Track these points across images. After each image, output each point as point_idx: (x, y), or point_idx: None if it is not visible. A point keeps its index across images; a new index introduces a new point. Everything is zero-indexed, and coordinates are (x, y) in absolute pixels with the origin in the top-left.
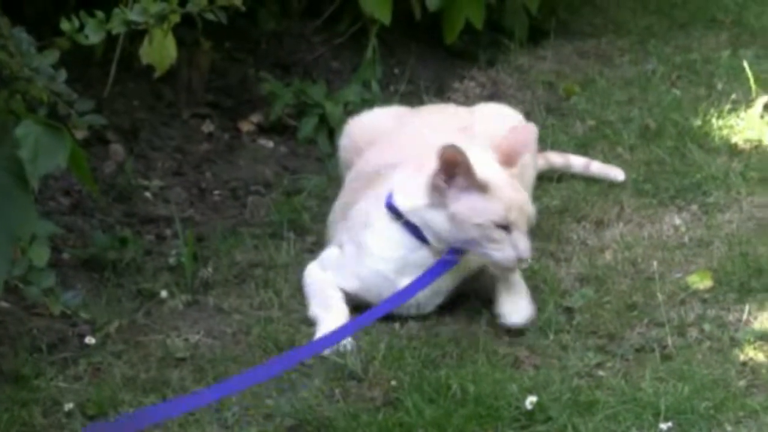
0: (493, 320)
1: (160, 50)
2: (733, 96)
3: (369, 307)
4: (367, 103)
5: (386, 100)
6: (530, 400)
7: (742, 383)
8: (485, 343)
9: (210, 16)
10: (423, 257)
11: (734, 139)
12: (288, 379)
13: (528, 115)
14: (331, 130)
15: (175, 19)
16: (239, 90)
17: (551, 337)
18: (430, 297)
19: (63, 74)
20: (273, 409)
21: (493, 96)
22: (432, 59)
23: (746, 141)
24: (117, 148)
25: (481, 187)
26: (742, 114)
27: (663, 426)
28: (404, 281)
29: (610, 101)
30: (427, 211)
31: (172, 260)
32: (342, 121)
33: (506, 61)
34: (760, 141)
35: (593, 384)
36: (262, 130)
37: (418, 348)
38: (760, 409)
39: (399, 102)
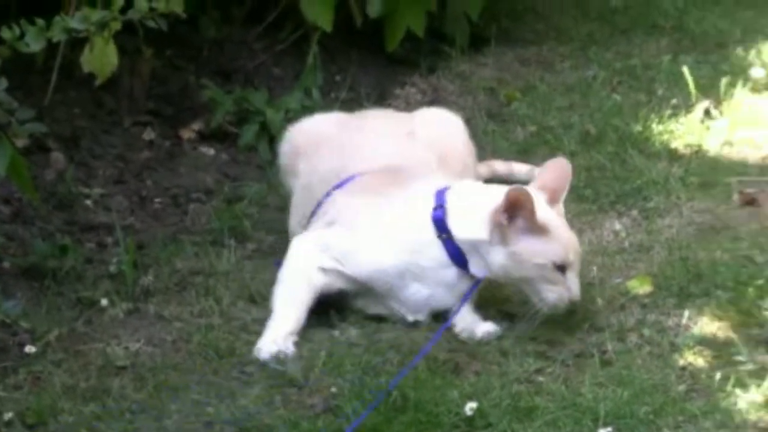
0: (434, 325)
1: (101, 58)
2: (673, 101)
3: (355, 297)
4: (308, 110)
5: (327, 107)
6: (470, 406)
7: (681, 388)
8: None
9: (151, 24)
10: (449, 275)
11: (674, 144)
12: (228, 387)
13: (469, 122)
14: (272, 138)
15: (116, 26)
16: (180, 97)
17: (492, 342)
18: (424, 304)
19: (3, 82)
20: (213, 416)
21: (434, 102)
22: (373, 66)
23: (686, 146)
24: (58, 156)
25: (541, 229)
26: (682, 119)
27: (602, 431)
28: (414, 287)
29: (551, 107)
30: (486, 246)
31: (112, 268)
32: (283, 129)
33: (447, 67)
34: (699, 146)
35: (533, 390)
36: (203, 137)
37: (359, 355)
38: (700, 414)
39: (340, 109)
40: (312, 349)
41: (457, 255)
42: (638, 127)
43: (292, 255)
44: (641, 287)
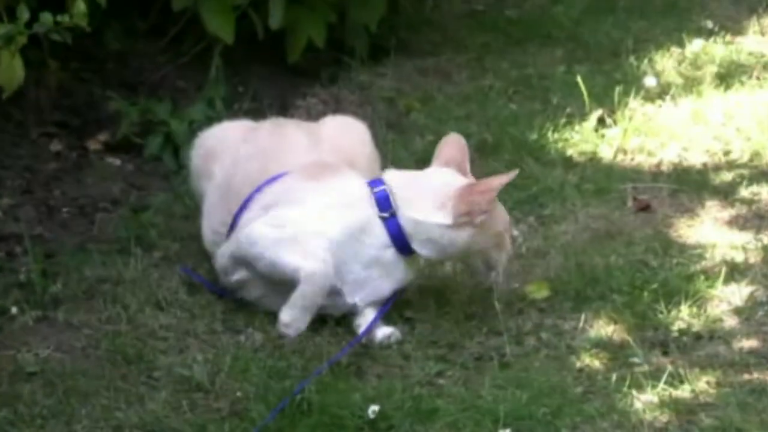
0: (337, 329)
1: (8, 71)
2: (568, 110)
3: None
4: (212, 121)
5: (231, 117)
6: (373, 409)
7: (578, 389)
8: (329, 353)
9: (56, 37)
10: (387, 256)
11: (569, 152)
12: (136, 392)
13: (371, 129)
14: (177, 148)
15: (23, 40)
16: (86, 109)
17: (394, 347)
18: (360, 286)
19: None
20: (122, 421)
21: (336, 112)
22: (275, 77)
23: (581, 154)
24: None
25: (491, 203)
26: (577, 127)
27: None
28: (354, 267)
29: (449, 117)
30: (449, 230)
31: (22, 277)
32: (187, 139)
33: (348, 78)
34: (594, 153)
35: (434, 392)
36: (109, 148)
37: (263, 359)
38: (597, 415)
39: (243, 117)
40: (217, 353)
41: (398, 235)
42: (534, 136)
43: (257, 239)
44: (538, 292)
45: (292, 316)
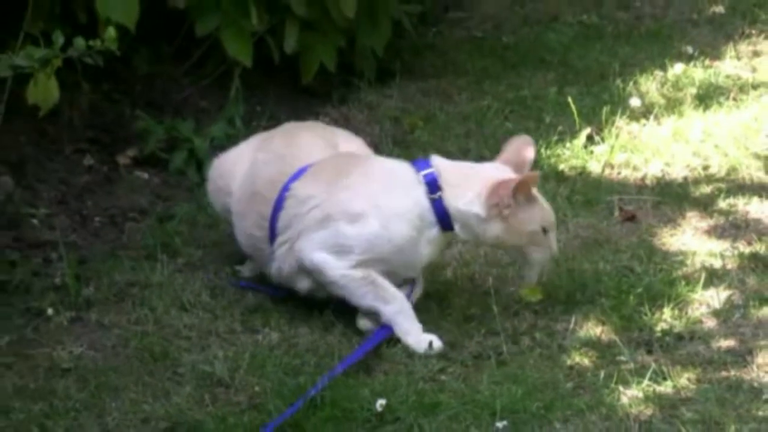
0: (346, 330)
1: (44, 92)
2: (560, 128)
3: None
4: (232, 138)
5: (249, 134)
6: (380, 403)
7: (569, 385)
8: (340, 351)
9: (89, 61)
10: (432, 234)
11: (561, 167)
12: (162, 387)
13: (376, 147)
14: (200, 163)
15: (58, 63)
16: (116, 127)
17: (399, 345)
18: (418, 263)
19: None
20: (149, 413)
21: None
22: (290, 97)
23: (571, 168)
24: (6, 180)
25: (532, 199)
26: (568, 144)
27: (499, 425)
28: (410, 252)
29: (450, 134)
30: (480, 219)
31: (57, 281)
32: (209, 154)
33: (357, 99)
34: (583, 168)
35: (436, 387)
36: (138, 163)
37: (279, 357)
38: (586, 409)
39: None
40: (237, 351)
41: (444, 216)
42: None
43: (323, 268)
44: (533, 295)
45: (415, 338)
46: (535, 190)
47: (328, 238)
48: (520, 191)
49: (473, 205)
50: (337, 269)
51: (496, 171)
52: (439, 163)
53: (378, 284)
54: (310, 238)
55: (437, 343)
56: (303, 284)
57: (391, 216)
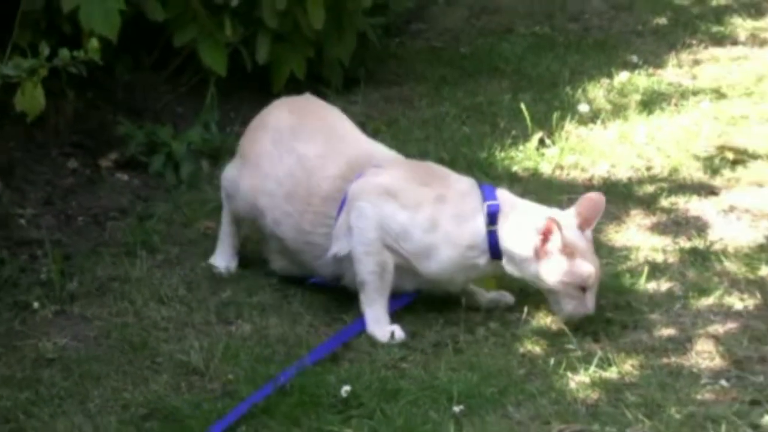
0: (314, 322)
1: (31, 99)
2: (513, 132)
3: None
4: (207, 142)
5: (223, 139)
6: (345, 389)
7: (521, 372)
8: (308, 341)
9: (73, 70)
10: (482, 262)
11: (514, 168)
12: (141, 375)
13: None
14: (177, 165)
15: (44, 72)
16: (99, 132)
17: (363, 335)
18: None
19: None
20: (129, 400)
21: None
22: (262, 104)
23: (524, 170)
24: None
25: (570, 252)
26: (521, 147)
27: (456, 409)
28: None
29: (411, 138)
30: (524, 259)
31: (43, 276)
32: (186, 157)
33: None
34: (535, 169)
35: (398, 374)
36: (119, 165)
37: (251, 347)
38: (537, 393)
39: (235, 140)
40: (211, 342)
41: (496, 248)
42: (484, 154)
43: (365, 227)
44: (488, 288)
45: (381, 327)
46: (580, 243)
47: (384, 213)
48: (545, 234)
49: (523, 247)
50: (371, 233)
51: (557, 217)
52: (504, 197)
53: (385, 278)
54: (371, 200)
55: (399, 333)
56: (350, 273)
57: (446, 241)
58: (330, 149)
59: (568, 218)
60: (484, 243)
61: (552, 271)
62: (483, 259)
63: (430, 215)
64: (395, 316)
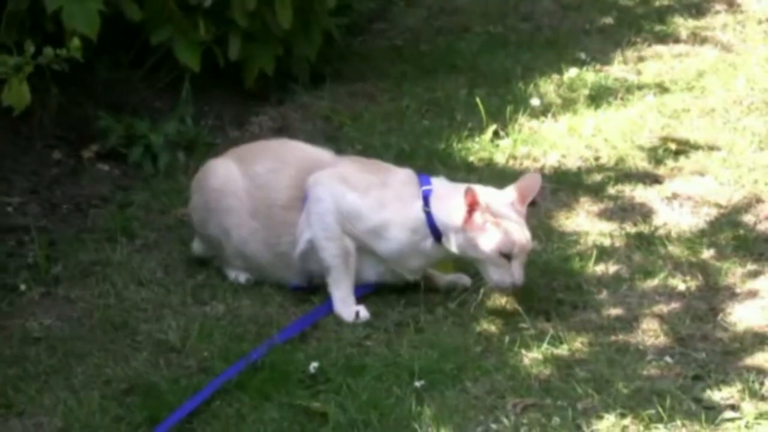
0: (284, 302)
1: (17, 94)
2: (469, 125)
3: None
4: (183, 134)
5: (198, 132)
6: (313, 366)
7: (478, 349)
8: (277, 321)
9: (56, 67)
10: (428, 245)
11: (471, 159)
12: (122, 353)
13: (311, 142)
14: (155, 156)
15: (29, 69)
16: (81, 125)
17: (330, 315)
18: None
19: None
20: (111, 376)
21: (282, 128)
22: (234, 99)
23: (480, 160)
24: None
25: (495, 224)
26: (477, 139)
27: (417, 384)
28: (413, 258)
29: (374, 131)
30: (453, 229)
31: (29, 260)
32: (163, 148)
33: (292, 100)
34: (490, 160)
35: (363, 352)
36: (100, 157)
37: (225, 326)
38: (493, 369)
39: (208, 133)
40: (188, 321)
41: (435, 229)
42: (442, 146)
43: (323, 211)
44: (445, 271)
45: (347, 307)
46: (507, 215)
47: (337, 194)
48: (470, 206)
49: (449, 217)
50: (329, 217)
51: (487, 191)
52: (437, 183)
53: (349, 261)
54: (325, 185)
55: (364, 313)
56: (316, 266)
57: (393, 221)
58: (279, 163)
59: (501, 194)
60: (425, 226)
61: (478, 239)
62: (428, 242)
63: (377, 196)
64: (360, 298)
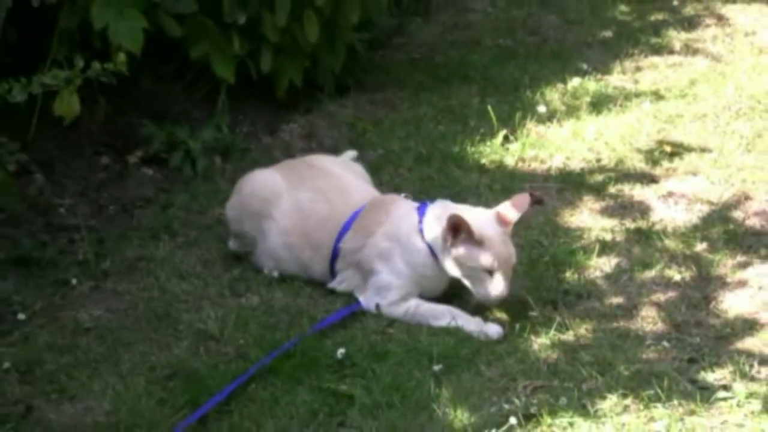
0: (313, 294)
1: (68, 105)
2: (481, 130)
3: None
4: (219, 141)
5: (233, 138)
6: (340, 352)
7: None
8: (308, 311)
9: (104, 80)
10: (436, 270)
11: (483, 161)
12: (165, 342)
13: (336, 147)
14: (194, 161)
15: (78, 82)
16: (127, 133)
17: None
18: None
19: None
20: (155, 363)
21: (311, 134)
22: (265, 108)
23: (491, 162)
24: (39, 177)
25: (477, 242)
26: (488, 143)
27: (435, 368)
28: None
29: (394, 136)
30: (444, 253)
31: (80, 257)
32: (201, 153)
33: (319, 109)
34: (501, 162)
35: (386, 339)
36: (144, 161)
37: (259, 316)
38: (505, 354)
39: (243, 139)
40: (225, 312)
41: (433, 252)
42: (456, 149)
43: (385, 314)
44: None
45: (477, 328)
46: (490, 234)
47: (373, 283)
48: (453, 229)
49: (437, 239)
50: (386, 309)
51: (476, 213)
52: (430, 211)
53: (421, 312)
54: (363, 292)
55: (496, 329)
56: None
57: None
58: (320, 195)
59: (483, 213)
60: (429, 256)
61: (460, 258)
62: (438, 267)
63: (391, 259)
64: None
